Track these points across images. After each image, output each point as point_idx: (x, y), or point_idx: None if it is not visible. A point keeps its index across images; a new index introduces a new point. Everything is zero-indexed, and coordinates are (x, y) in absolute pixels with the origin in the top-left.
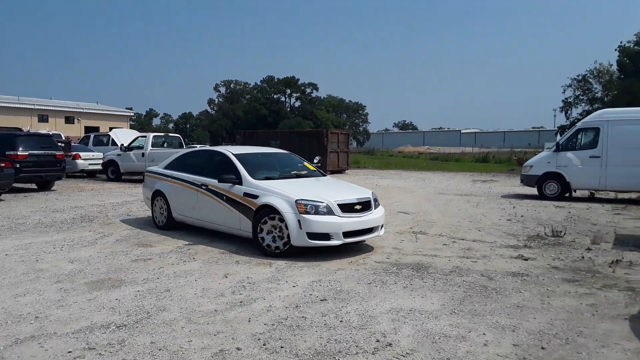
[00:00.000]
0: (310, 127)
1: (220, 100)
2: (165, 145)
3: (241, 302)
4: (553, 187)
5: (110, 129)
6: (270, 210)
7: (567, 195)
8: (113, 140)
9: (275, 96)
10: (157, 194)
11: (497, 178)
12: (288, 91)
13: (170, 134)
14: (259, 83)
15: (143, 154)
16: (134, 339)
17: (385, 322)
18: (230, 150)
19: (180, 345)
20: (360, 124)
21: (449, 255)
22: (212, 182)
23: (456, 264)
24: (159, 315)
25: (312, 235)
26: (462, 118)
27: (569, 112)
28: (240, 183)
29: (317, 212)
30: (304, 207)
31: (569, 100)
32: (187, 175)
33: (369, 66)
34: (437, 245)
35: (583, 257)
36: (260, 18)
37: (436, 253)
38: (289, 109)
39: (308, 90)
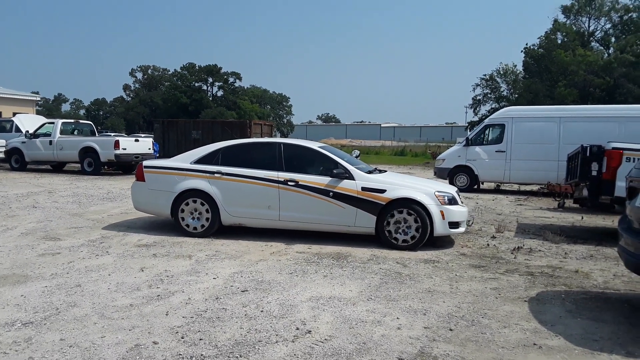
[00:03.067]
0: (234, 118)
1: (137, 86)
2: (75, 132)
3: (158, 295)
4: (463, 179)
5: (14, 114)
6: (402, 204)
7: (476, 187)
8: (17, 126)
9: (196, 84)
10: (188, 195)
11: (414, 170)
12: (210, 80)
13: (81, 121)
14: (178, 70)
15: (51, 142)
16: (41, 336)
17: (305, 310)
18: (306, 144)
19: (93, 341)
20: (284, 115)
21: (368, 244)
22: (306, 177)
23: (374, 252)
24: (69, 311)
25: (451, 224)
26: (383, 112)
27: (477, 109)
28: (352, 177)
29: (451, 202)
30: (442, 198)
31: (478, 97)
32: (253, 171)
33: (293, 58)
34: (356, 235)
35: (488, 245)
36: (181, 2)
37: (355, 243)
38: (211, 99)
39: (231, 79)
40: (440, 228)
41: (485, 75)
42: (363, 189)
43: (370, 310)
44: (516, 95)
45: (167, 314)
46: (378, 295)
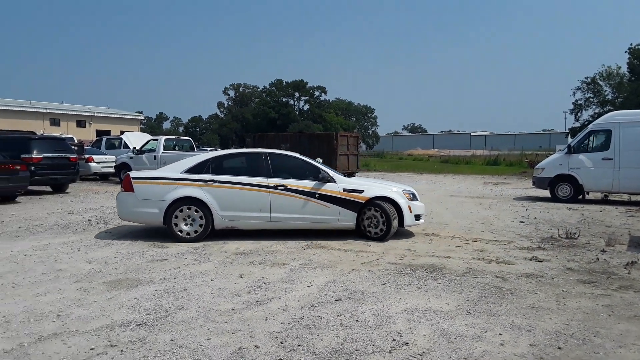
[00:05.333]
0: (320, 130)
1: (230, 103)
2: (176, 148)
3: (257, 301)
4: (566, 189)
5: (122, 132)
6: (376, 202)
7: (580, 197)
8: (125, 143)
9: (284, 99)
10: (181, 203)
11: (509, 180)
12: (297, 94)
13: (182, 137)
14: (267, 86)
15: (155, 157)
16: (154, 336)
17: (400, 321)
18: (289, 153)
19: (200, 343)
20: (370, 126)
21: (463, 256)
22: (294, 182)
23: (470, 265)
24: (178, 314)
25: (416, 217)
26: (472, 121)
27: (579, 114)
28: (334, 181)
29: (414, 199)
30: (409, 195)
31: (579, 102)
32: (245, 177)
33: (377, 69)
34: (450, 247)
35: (598, 259)
36: (269, 21)
37: (449, 255)
38: (297, 113)
39: (317, 93)
40: (408, 220)
41: (586, 78)
42: (344, 190)
43: (470, 324)
44: (621, 99)
45: (266, 320)
46: (477, 309)
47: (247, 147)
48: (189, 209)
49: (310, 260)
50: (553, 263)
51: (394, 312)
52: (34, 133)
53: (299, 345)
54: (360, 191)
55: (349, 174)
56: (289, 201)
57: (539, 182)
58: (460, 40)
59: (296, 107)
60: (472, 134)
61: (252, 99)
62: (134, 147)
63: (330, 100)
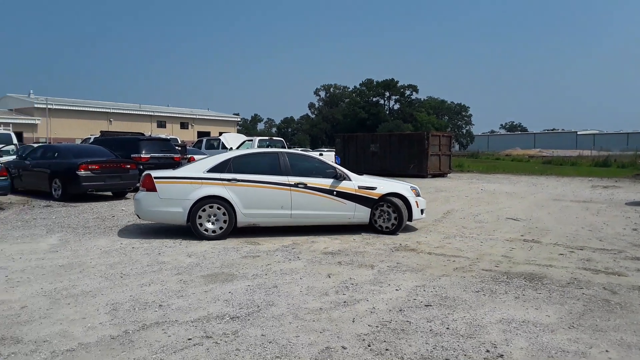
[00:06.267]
0: (410, 130)
1: (320, 104)
2: (269, 148)
3: (345, 302)
4: None
5: (220, 133)
6: (387, 198)
7: None
8: (223, 143)
9: (374, 99)
10: (205, 202)
11: (620, 184)
12: (387, 94)
13: (274, 138)
14: (357, 86)
15: None
16: (246, 330)
17: (495, 332)
18: (306, 153)
19: (289, 339)
20: (463, 125)
21: (566, 265)
22: (313, 180)
23: (574, 275)
24: (268, 310)
25: (421, 211)
26: (579, 118)
27: None
28: (349, 179)
29: (418, 195)
30: (415, 191)
31: None
32: (266, 176)
33: (471, 65)
34: (552, 255)
35: None
36: (359, 21)
37: (551, 263)
38: (387, 112)
39: (407, 92)
40: (416, 214)
41: None
42: (359, 187)
43: (573, 339)
44: None
45: (353, 321)
46: (581, 323)
47: (337, 147)
48: (212, 207)
49: (399, 263)
50: None
51: (488, 322)
52: (142, 134)
53: (386, 350)
54: (374, 188)
55: (440, 175)
56: (309, 198)
57: None
58: (564, 31)
59: (386, 106)
60: (578, 132)
61: (342, 100)
62: (231, 147)
63: (422, 99)
